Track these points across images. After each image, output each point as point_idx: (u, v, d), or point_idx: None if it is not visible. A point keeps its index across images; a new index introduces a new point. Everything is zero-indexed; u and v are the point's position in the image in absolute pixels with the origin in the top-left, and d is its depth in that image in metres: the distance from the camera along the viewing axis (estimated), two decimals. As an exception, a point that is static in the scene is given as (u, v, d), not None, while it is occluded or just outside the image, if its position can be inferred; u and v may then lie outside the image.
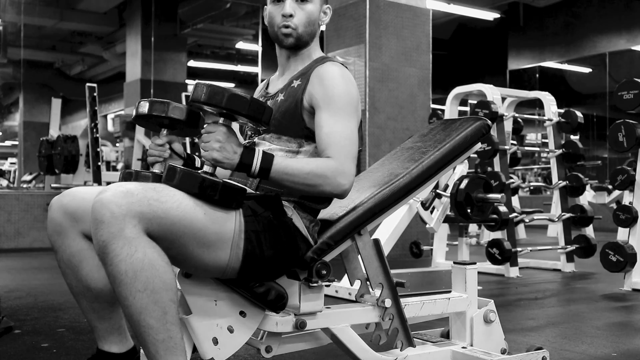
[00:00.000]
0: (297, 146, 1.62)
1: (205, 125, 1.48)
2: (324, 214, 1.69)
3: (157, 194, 1.32)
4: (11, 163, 15.42)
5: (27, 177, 10.03)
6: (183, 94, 7.39)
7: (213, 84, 1.42)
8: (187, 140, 7.15)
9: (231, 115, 1.44)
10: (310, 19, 1.67)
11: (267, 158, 1.46)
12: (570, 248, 4.90)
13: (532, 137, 15.66)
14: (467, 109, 11.40)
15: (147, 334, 1.31)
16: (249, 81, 14.01)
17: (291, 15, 1.64)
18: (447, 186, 4.09)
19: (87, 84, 6.61)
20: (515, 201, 5.83)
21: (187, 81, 11.82)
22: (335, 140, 1.54)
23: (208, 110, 1.47)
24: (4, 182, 11.31)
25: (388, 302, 1.68)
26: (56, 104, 7.46)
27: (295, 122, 1.62)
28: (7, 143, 20.65)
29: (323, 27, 1.78)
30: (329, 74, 1.60)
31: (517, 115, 5.16)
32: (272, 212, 1.48)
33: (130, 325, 1.34)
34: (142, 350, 1.55)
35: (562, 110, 5.13)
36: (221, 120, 1.46)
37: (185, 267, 1.44)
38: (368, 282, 1.69)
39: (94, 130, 6.32)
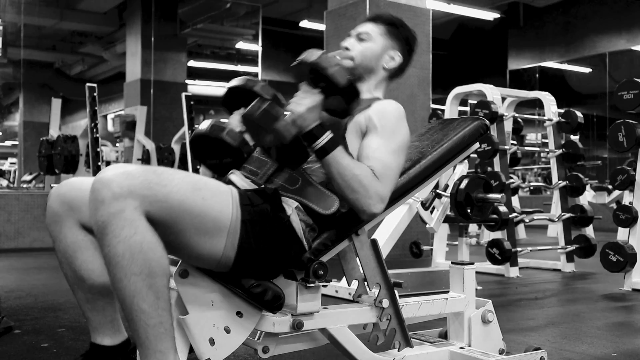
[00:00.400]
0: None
1: (303, 85, 1.56)
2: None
3: (157, 177, 1.31)
4: (11, 163, 15.42)
5: (27, 177, 10.03)
6: (183, 94, 7.38)
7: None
8: (188, 140, 7.14)
9: (329, 90, 1.52)
10: (366, 54, 1.78)
11: (333, 141, 1.52)
12: (570, 248, 4.90)
13: (532, 137, 15.65)
14: (467, 109, 11.40)
15: (139, 318, 1.30)
16: (249, 81, 14.00)
17: (347, 49, 1.80)
18: (447, 186, 4.09)
19: (87, 84, 6.61)
20: (515, 201, 5.83)
21: (187, 81, 11.81)
22: (385, 164, 1.59)
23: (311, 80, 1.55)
24: (4, 182, 11.31)
25: (385, 303, 1.68)
26: (56, 104, 7.46)
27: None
28: (7, 143, 20.66)
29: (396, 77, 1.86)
30: (390, 107, 1.68)
31: (517, 115, 5.16)
32: (269, 206, 1.48)
33: (122, 308, 1.33)
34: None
35: (562, 110, 5.13)
36: (317, 91, 1.54)
37: (180, 255, 1.43)
38: (365, 283, 1.69)
39: (94, 130, 6.32)
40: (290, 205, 1.53)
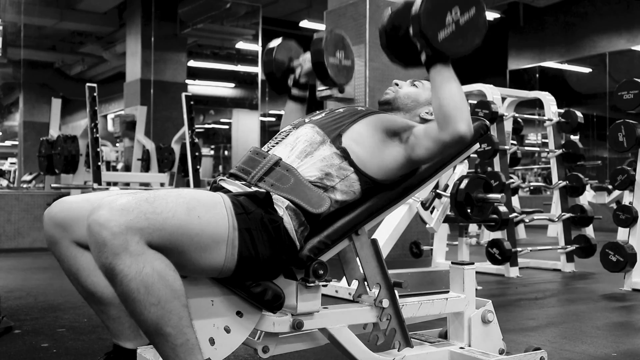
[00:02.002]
0: (321, 142, 1.65)
1: None
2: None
3: (151, 206, 1.31)
4: (11, 163, 15.41)
5: (27, 177, 10.02)
6: (183, 94, 7.38)
7: None
8: (188, 140, 7.13)
9: None
10: (409, 95, 1.91)
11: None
12: (570, 248, 4.90)
13: (532, 137, 15.65)
14: (468, 109, 11.38)
15: (166, 340, 1.31)
16: (248, 81, 14.02)
17: (397, 84, 1.93)
18: (447, 186, 4.08)
19: (87, 84, 6.59)
20: (515, 201, 5.83)
21: (187, 81, 11.80)
22: None
23: None
24: (4, 182, 11.31)
25: (385, 303, 1.68)
26: (56, 104, 7.45)
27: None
28: (7, 143, 20.63)
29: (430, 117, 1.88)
30: None
31: (517, 115, 5.16)
32: (263, 210, 1.48)
33: (147, 336, 1.34)
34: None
35: (562, 110, 5.13)
36: None
37: (183, 272, 1.43)
38: (365, 283, 1.69)
39: (94, 130, 6.31)
40: (281, 206, 1.53)
